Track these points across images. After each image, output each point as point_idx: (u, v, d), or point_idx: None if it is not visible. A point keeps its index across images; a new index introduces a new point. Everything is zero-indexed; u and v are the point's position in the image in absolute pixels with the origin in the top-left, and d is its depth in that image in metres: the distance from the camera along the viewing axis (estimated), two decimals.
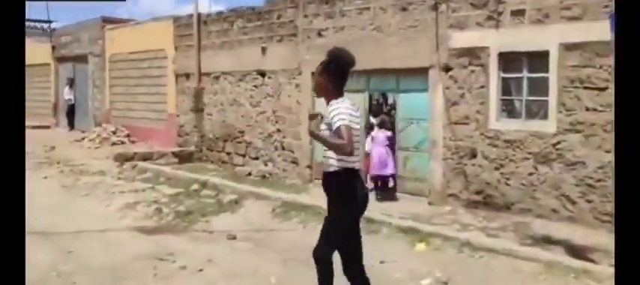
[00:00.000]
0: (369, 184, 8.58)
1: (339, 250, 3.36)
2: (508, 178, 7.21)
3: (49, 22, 20.76)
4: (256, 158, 10.99)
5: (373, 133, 8.54)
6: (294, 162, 10.04)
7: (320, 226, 3.51)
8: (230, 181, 8.84)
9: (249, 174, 10.49)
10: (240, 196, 7.57)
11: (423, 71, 8.03)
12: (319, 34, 9.57)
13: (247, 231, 6.17)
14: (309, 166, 9.74)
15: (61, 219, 6.76)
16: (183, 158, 12.08)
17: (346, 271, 3.39)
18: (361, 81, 9.02)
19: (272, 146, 10.66)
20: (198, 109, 12.43)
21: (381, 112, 11.20)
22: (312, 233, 6.05)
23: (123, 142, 14.21)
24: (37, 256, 5.19)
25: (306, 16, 9.81)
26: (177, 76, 13.12)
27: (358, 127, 3.27)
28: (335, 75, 3.31)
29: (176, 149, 12.33)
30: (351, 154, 3.08)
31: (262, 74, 10.87)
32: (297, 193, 8.26)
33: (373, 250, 5.45)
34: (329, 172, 3.29)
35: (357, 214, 3.35)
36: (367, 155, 8.67)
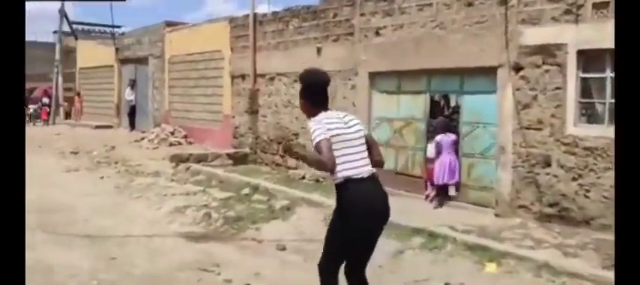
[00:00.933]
0: (430, 192, 7.96)
1: (323, 252, 3.31)
2: (587, 190, 6.40)
3: (116, 27, 21.29)
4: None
5: (438, 138, 7.93)
6: None
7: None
8: (283, 185, 8.43)
9: (303, 177, 10.06)
10: (293, 201, 7.13)
11: (490, 71, 7.32)
12: (377, 33, 9.01)
13: (298, 241, 5.71)
14: None
15: (111, 222, 6.56)
16: (238, 160, 11.82)
17: (346, 274, 3.31)
18: (421, 82, 8.41)
19: None
20: (252, 111, 12.14)
21: (442, 114, 10.50)
22: None
23: (180, 143, 14.16)
24: (79, 263, 4.95)
25: (363, 14, 9.27)
26: (232, 77, 12.90)
27: (346, 132, 3.14)
28: (307, 94, 3.32)
29: (231, 151, 12.10)
30: (333, 167, 2.98)
31: None
32: None
33: (436, 269, 4.89)
34: (335, 183, 3.17)
35: (363, 222, 3.08)
36: (429, 161, 8.05)
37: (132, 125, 17.27)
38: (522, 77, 7.00)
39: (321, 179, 9.99)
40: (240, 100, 12.65)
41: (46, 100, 23.58)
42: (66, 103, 23.95)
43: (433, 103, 9.00)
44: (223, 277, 4.67)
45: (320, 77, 3.34)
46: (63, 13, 23.36)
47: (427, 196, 8.02)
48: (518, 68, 7.03)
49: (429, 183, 8.10)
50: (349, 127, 3.17)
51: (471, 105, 7.73)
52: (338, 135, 3.07)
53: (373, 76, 9.21)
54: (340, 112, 3.31)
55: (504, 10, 7.15)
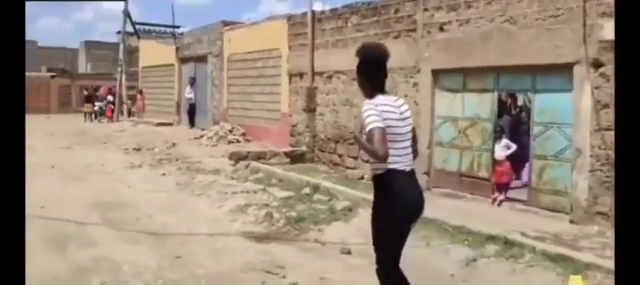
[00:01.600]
0: (498, 195, 7.56)
1: (378, 249, 3.21)
2: None
3: (176, 27, 21.75)
4: (368, 161, 10.30)
5: (506, 141, 7.52)
6: None
7: (447, 245, 3.04)
8: (342, 185, 8.21)
9: (362, 178, 9.82)
10: (354, 203, 6.91)
11: (565, 68, 6.83)
12: (441, 29, 8.64)
13: (362, 244, 5.45)
14: (427, 173, 8.84)
15: (174, 219, 6.55)
16: (295, 158, 11.71)
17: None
18: (488, 80, 7.98)
19: None
20: (310, 109, 12.01)
21: (508, 114, 10.01)
22: (437, 253, 5.25)
23: (238, 141, 14.22)
24: (145, 260, 4.92)
25: (426, 9, 8.92)
26: (290, 75, 12.81)
27: (400, 124, 3.07)
28: (364, 71, 3.18)
29: (288, 149, 12.01)
30: (385, 158, 2.90)
31: None
32: None
33: (515, 281, 4.55)
34: (375, 175, 3.14)
35: (404, 218, 3.11)
36: (497, 163, 7.65)
37: (191, 123, 17.54)
38: (602, 75, 6.49)
39: None
40: (298, 99, 12.54)
41: (110, 98, 24.41)
42: (129, 101, 24.71)
43: (500, 102, 8.55)
44: (288, 280, 4.51)
45: (378, 52, 3.20)
46: (126, 14, 24.10)
47: (494, 200, 7.61)
48: (597, 65, 6.53)
49: (496, 186, 7.69)
50: (403, 119, 3.11)
51: (544, 104, 7.25)
52: (391, 127, 2.99)
53: (436, 74, 8.85)
54: (395, 98, 3.20)
55: (582, 3, 6.65)
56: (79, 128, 19.82)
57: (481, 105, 8.08)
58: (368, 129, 2.91)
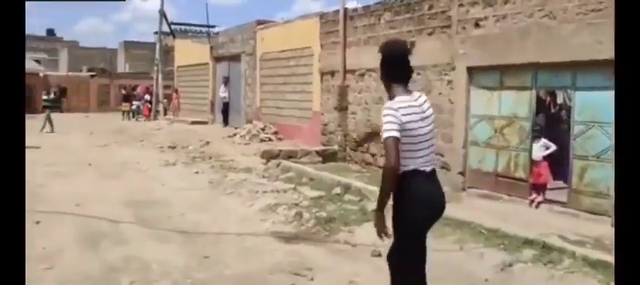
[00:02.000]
0: (536, 197, 7.29)
1: (398, 252, 3.11)
2: None
3: (211, 26, 21.96)
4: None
5: (544, 140, 7.24)
6: (445, 167, 8.97)
7: (481, 249, 2.92)
8: (374, 185, 8.04)
9: None
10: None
11: (608, 64, 6.48)
12: (476, 25, 8.38)
13: None
14: (462, 173, 8.61)
15: (205, 218, 6.55)
16: (327, 157, 11.62)
17: (389, 258, 3.25)
18: (526, 77, 7.68)
19: None
20: (342, 108, 11.89)
21: (548, 112, 9.65)
22: (471, 257, 5.06)
23: (270, 139, 14.23)
24: (174, 260, 4.91)
25: (461, 5, 8.67)
26: (322, 73, 12.72)
27: (421, 125, 2.99)
28: (387, 68, 3.12)
29: (320, 148, 11.92)
30: (395, 171, 2.84)
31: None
32: (448, 202, 7.20)
33: None
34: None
35: (423, 220, 3.05)
36: (535, 163, 7.37)
37: (225, 121, 17.67)
38: None
39: None
40: (330, 97, 12.44)
41: (147, 96, 24.86)
42: (165, 100, 25.12)
43: (538, 100, 8.24)
44: (317, 283, 4.42)
45: (399, 48, 3.20)
46: (162, 14, 24.47)
47: (531, 201, 7.33)
48: None
49: (533, 187, 7.42)
50: (425, 118, 3.03)
51: (585, 102, 6.93)
52: (412, 129, 2.94)
53: (472, 71, 8.59)
54: (418, 96, 3.10)
55: None
56: (116, 126, 20.26)
57: (519, 103, 7.80)
58: (383, 137, 2.89)
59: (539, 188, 7.35)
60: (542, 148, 7.36)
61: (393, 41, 3.43)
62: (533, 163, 7.42)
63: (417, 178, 2.97)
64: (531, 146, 7.50)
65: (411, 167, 2.97)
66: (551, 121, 9.18)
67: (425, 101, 3.09)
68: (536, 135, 7.50)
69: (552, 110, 10.01)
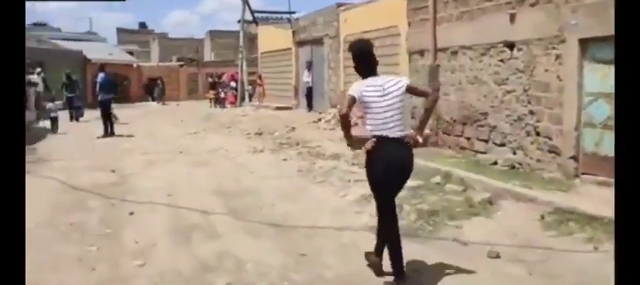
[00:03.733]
0: None
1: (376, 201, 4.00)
2: None
3: (292, 12, 21.69)
4: (502, 145, 9.19)
5: None
6: (553, 151, 7.99)
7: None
8: (475, 171, 7.28)
9: (495, 163, 8.77)
10: (494, 194, 6.00)
11: None
12: None
13: (512, 247, 4.61)
14: (575, 158, 7.59)
15: (296, 209, 6.14)
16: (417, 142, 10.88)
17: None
18: None
19: (523, 131, 8.74)
20: (433, 89, 11.06)
21: None
22: (610, 260, 4.24)
23: (356, 124, 13.61)
24: (268, 258, 4.50)
25: None
26: (410, 53, 11.94)
27: (380, 100, 3.79)
28: (357, 62, 4.06)
29: (410, 132, 11.19)
30: (343, 116, 3.89)
31: (510, 46, 8.96)
32: (564, 191, 6.31)
33: None
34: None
35: (384, 175, 3.80)
36: None
37: (309, 106, 17.34)
38: None
39: (517, 165, 8.62)
40: (419, 78, 11.63)
41: (233, 84, 25.14)
42: (250, 87, 25.30)
43: None
44: None
45: (362, 46, 4.09)
46: (245, 1, 24.52)
47: None
48: None
49: None
50: (385, 95, 3.79)
51: None
52: (371, 103, 3.78)
53: (585, 43, 7.50)
54: (384, 78, 3.90)
55: None
56: (205, 114, 20.59)
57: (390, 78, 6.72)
58: (348, 93, 3.87)
59: None
60: None
61: (358, 41, 4.21)
62: None
63: (379, 141, 3.74)
64: None
65: (375, 133, 3.77)
66: None
67: (388, 82, 3.85)
68: None
69: None
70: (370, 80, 3.84)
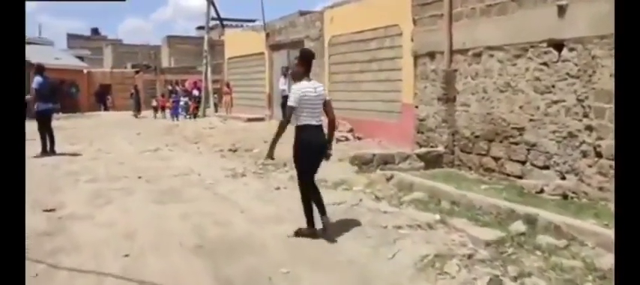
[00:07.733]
0: None
1: (298, 169, 5.12)
2: None
3: (253, 20, 19.47)
4: (546, 167, 7.30)
5: None
6: None
7: None
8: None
9: (541, 191, 6.84)
10: (603, 245, 3.95)
11: None
12: None
13: None
14: None
15: (325, 281, 3.92)
16: (430, 162, 8.89)
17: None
18: None
19: (576, 151, 6.87)
20: (448, 99, 9.11)
21: None
22: None
23: (346, 139, 11.59)
24: None
25: None
26: (416, 56, 9.95)
27: (311, 96, 4.82)
28: (305, 66, 4.97)
29: (421, 150, 9.17)
30: (283, 123, 4.97)
31: (557, 46, 7.10)
32: None
33: None
34: (296, 126, 4.94)
35: (308, 152, 4.93)
36: None
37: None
38: None
39: (570, 194, 6.72)
40: (428, 85, 9.67)
41: (196, 92, 22.58)
42: (216, 95, 22.78)
43: None
44: None
45: (310, 54, 5.10)
46: (210, 2, 22.06)
47: None
48: None
49: None
50: (317, 95, 4.86)
51: None
52: (305, 97, 4.79)
53: None
54: (314, 82, 4.94)
55: None
56: (165, 126, 17.99)
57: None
58: (287, 106, 4.88)
59: None
60: None
61: (308, 49, 6.24)
62: None
63: (306, 128, 4.85)
64: None
65: (304, 122, 4.84)
66: None
67: (318, 86, 4.94)
68: None
69: None
70: (305, 83, 4.86)
